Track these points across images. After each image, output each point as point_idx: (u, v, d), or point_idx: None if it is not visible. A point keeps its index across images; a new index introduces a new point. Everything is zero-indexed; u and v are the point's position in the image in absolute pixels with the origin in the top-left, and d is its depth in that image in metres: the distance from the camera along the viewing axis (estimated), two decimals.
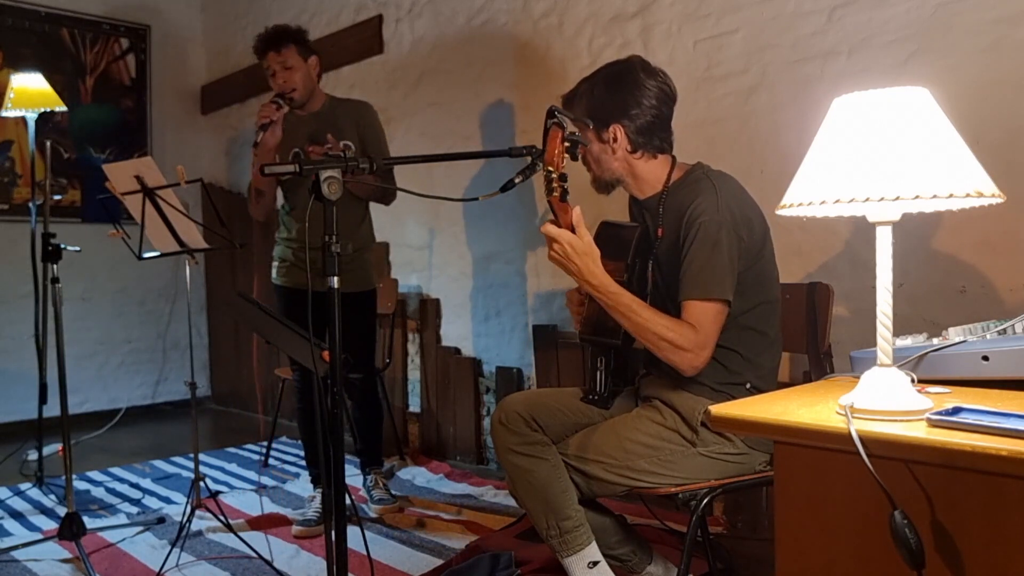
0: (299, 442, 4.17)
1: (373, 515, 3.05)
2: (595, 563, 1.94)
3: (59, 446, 3.06)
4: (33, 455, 3.77)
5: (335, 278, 1.61)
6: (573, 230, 1.76)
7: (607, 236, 1.91)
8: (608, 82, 1.94)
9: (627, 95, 1.91)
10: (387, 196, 3.13)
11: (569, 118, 1.73)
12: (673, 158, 2.00)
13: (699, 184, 1.89)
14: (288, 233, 3.08)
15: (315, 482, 3.17)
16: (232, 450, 4.28)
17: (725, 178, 1.91)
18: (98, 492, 3.52)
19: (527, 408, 2.00)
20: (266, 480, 3.66)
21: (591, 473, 1.92)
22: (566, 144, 1.69)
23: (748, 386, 1.90)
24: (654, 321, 1.78)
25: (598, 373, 1.99)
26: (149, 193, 2.58)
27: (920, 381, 1.38)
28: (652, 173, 1.97)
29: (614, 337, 1.92)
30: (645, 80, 1.92)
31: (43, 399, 3.55)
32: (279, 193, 3.14)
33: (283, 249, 3.10)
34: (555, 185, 1.70)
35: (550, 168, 1.69)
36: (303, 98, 2.96)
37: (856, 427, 1.14)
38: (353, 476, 3.30)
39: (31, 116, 3.81)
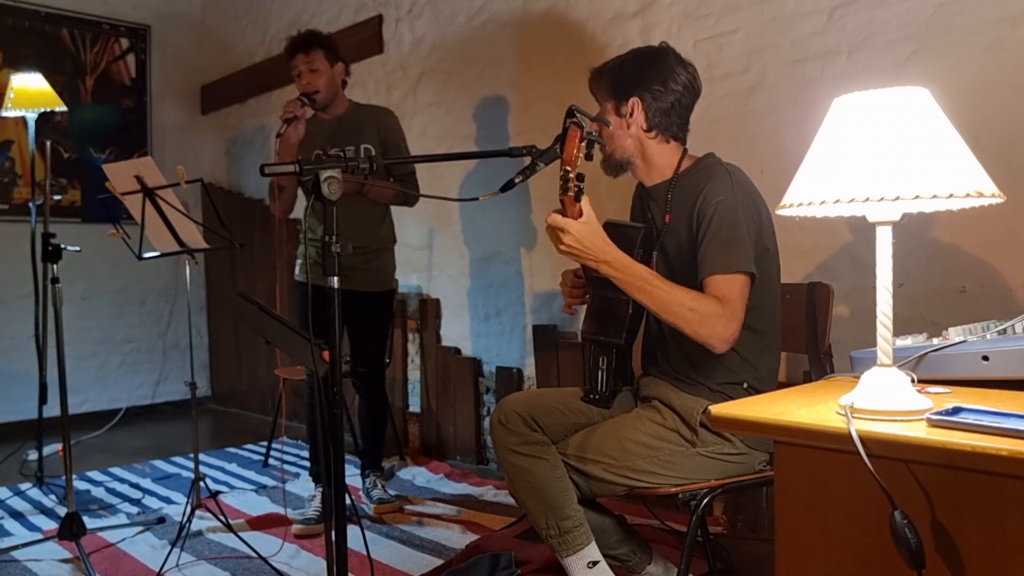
0: (299, 442, 4.18)
1: (373, 515, 3.05)
2: (595, 563, 1.93)
3: (59, 446, 3.06)
4: (33, 455, 3.77)
5: (335, 278, 1.61)
6: None
7: (611, 235, 1.91)
8: (639, 58, 1.97)
9: (654, 73, 1.93)
10: (409, 199, 3.22)
11: (588, 117, 1.72)
12: (685, 149, 2.01)
13: (712, 169, 1.90)
14: (312, 233, 3.15)
15: (316, 479, 3.18)
16: (232, 450, 4.28)
17: (737, 169, 1.91)
18: (98, 492, 3.52)
19: (526, 408, 2.00)
20: (266, 480, 3.66)
21: (591, 473, 1.92)
22: (583, 143, 1.69)
23: (745, 386, 1.90)
24: (677, 293, 1.75)
25: (600, 372, 1.98)
26: (149, 193, 2.58)
27: (920, 381, 1.38)
28: (663, 158, 1.98)
29: (617, 336, 1.92)
30: (675, 66, 1.95)
31: (43, 399, 3.55)
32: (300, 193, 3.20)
33: (307, 247, 3.14)
34: (571, 184, 1.70)
35: (568, 167, 1.69)
36: (325, 101, 3.04)
37: (856, 427, 1.14)
38: (353, 476, 3.30)
39: (31, 116, 3.81)
